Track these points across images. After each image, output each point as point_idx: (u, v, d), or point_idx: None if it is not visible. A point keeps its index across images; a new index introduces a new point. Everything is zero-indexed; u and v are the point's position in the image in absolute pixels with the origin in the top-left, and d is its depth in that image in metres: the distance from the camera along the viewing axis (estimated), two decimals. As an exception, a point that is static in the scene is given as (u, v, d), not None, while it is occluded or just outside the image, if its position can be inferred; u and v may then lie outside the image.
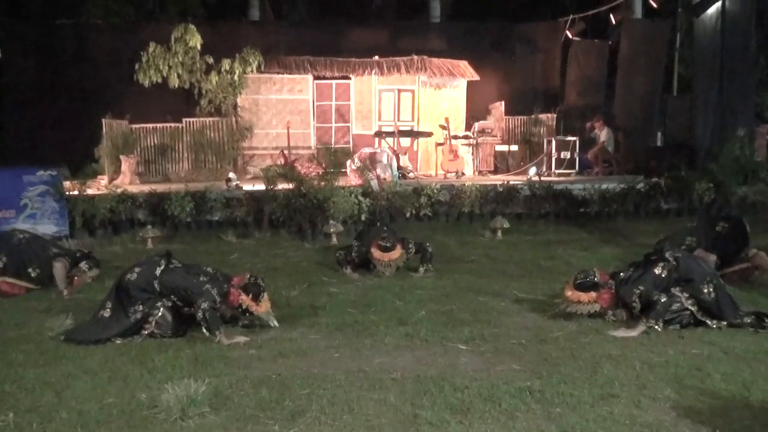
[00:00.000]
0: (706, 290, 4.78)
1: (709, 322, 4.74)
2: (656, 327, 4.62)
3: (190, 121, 13.72)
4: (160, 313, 4.77)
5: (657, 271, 4.86)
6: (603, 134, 13.80)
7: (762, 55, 18.75)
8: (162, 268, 4.92)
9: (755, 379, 3.78)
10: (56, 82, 15.20)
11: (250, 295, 4.84)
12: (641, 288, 4.77)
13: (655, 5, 15.37)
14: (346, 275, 6.76)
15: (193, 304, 4.68)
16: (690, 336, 4.60)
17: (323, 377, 3.91)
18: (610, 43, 16.61)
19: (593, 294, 4.93)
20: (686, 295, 4.79)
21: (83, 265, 6.47)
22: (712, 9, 12.77)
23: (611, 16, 16.23)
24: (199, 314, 4.60)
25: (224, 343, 4.55)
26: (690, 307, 4.76)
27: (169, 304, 4.82)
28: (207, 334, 4.60)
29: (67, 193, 9.22)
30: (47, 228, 8.93)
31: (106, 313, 4.86)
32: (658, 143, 15.98)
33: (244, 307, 4.84)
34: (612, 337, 4.61)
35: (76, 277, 6.38)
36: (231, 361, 4.24)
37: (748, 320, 4.77)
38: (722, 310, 4.75)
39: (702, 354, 4.23)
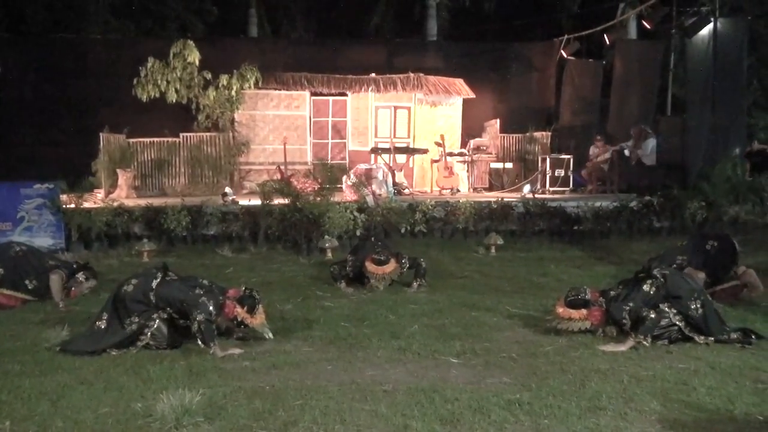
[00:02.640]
0: (693, 306, 4.86)
1: (696, 338, 4.82)
2: (644, 342, 4.69)
3: (187, 136, 13.81)
4: (155, 325, 4.82)
5: (646, 288, 4.94)
6: (607, 154, 13.90)
7: (755, 77, 19.02)
8: (158, 280, 4.98)
9: (740, 393, 3.85)
10: (55, 96, 15.29)
11: (245, 308, 4.90)
12: (630, 305, 4.85)
13: (649, 26, 15.58)
14: (340, 290, 6.83)
15: (189, 316, 4.74)
16: (678, 351, 4.68)
17: (316, 389, 3.97)
18: (604, 63, 16.81)
19: (584, 311, 5.00)
20: (674, 311, 4.87)
21: (80, 276, 6.53)
22: (705, 31, 12.97)
23: (606, 36, 16.44)
24: (195, 326, 4.66)
25: (219, 355, 4.60)
26: (678, 323, 4.84)
27: (165, 316, 4.88)
28: (202, 346, 4.66)
29: (64, 206, 9.29)
30: (44, 241, 8.99)
31: (102, 325, 4.91)
32: (654, 162, 16.13)
33: (239, 319, 4.90)
34: (601, 351, 4.68)
35: (73, 288, 6.44)
36: (225, 372, 4.30)
37: (734, 336, 4.85)
38: (709, 326, 4.83)
39: (689, 368, 4.30)
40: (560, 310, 5.09)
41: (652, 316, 4.74)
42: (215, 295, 4.89)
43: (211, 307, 4.75)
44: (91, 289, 6.56)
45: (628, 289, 5.02)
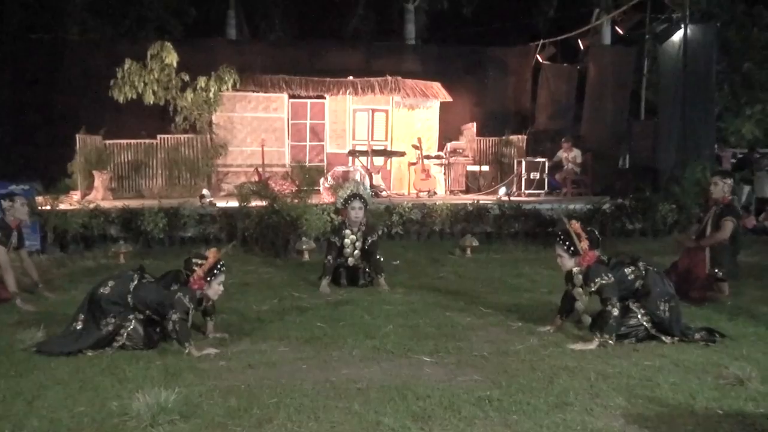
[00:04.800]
0: (661, 307, 4.98)
1: (663, 338, 4.96)
2: (610, 341, 4.82)
3: (164, 138, 13.79)
4: (131, 326, 4.84)
5: (627, 271, 5.07)
6: (571, 155, 14.14)
7: (725, 82, 19.41)
8: (135, 283, 5.00)
9: (701, 388, 3.99)
10: (31, 97, 15.17)
11: (205, 275, 4.93)
12: (606, 279, 4.93)
13: (621, 32, 15.87)
14: (317, 290, 6.87)
15: (165, 316, 4.78)
16: (644, 349, 4.81)
17: (291, 387, 4.03)
18: (579, 67, 17.08)
19: (586, 245, 5.07)
20: (642, 311, 5.00)
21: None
22: (676, 37, 13.26)
23: (580, 41, 16.72)
24: (170, 326, 4.71)
25: (195, 355, 4.65)
26: (645, 323, 4.97)
27: (141, 317, 4.91)
28: (178, 345, 4.70)
29: (40, 208, 9.23)
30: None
31: (78, 326, 4.92)
32: (626, 165, 16.43)
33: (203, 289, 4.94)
34: (570, 350, 4.80)
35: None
36: (201, 371, 4.35)
37: (698, 336, 5.00)
38: (674, 328, 4.97)
39: (654, 365, 4.43)
40: (576, 225, 5.18)
41: (615, 313, 4.85)
42: (192, 292, 4.92)
43: (187, 301, 4.78)
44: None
45: (612, 264, 5.13)
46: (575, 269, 5.14)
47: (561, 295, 5.42)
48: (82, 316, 4.93)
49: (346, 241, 7.09)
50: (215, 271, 4.99)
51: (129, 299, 4.90)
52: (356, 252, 7.11)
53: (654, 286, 5.07)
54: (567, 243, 5.13)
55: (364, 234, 7.14)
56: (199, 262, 4.99)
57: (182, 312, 4.73)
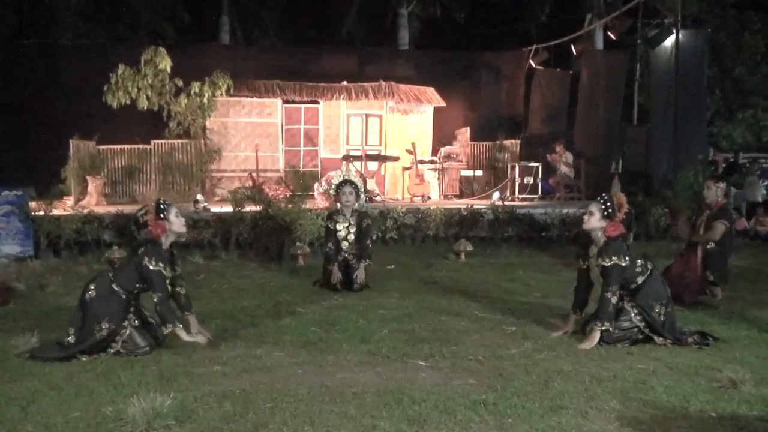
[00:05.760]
0: (657, 309, 5.01)
1: (656, 339, 4.99)
2: (609, 329, 4.86)
3: (158, 143, 13.78)
4: (127, 332, 4.83)
5: (637, 262, 5.09)
6: (564, 158, 14.18)
7: (717, 87, 19.55)
8: (112, 273, 5.00)
9: (695, 391, 4.01)
10: (24, 103, 15.13)
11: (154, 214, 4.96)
12: (622, 261, 4.93)
13: (614, 37, 15.95)
14: (316, 288, 7.05)
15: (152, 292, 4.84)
16: (638, 352, 4.83)
17: (286, 392, 4.03)
18: (571, 72, 17.17)
19: (620, 217, 5.06)
20: (635, 311, 5.03)
21: None
22: (668, 42, 13.35)
23: (573, 46, 16.81)
24: (154, 306, 4.78)
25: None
26: (638, 323, 5.00)
27: (136, 323, 4.90)
28: (162, 327, 4.80)
29: (33, 213, 9.21)
30: (12, 248, 8.95)
31: (71, 339, 4.85)
32: (619, 170, 16.49)
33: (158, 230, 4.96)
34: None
35: None
36: (196, 376, 4.34)
37: (691, 339, 5.02)
38: (667, 331, 5.00)
39: (648, 369, 4.45)
40: (622, 198, 5.19)
41: (614, 301, 4.89)
42: (157, 247, 4.92)
43: (153, 264, 4.79)
44: None
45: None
46: (599, 234, 5.08)
47: (555, 299, 5.47)
48: (72, 330, 4.85)
49: (339, 226, 7.26)
50: (162, 208, 5.00)
51: (115, 287, 4.85)
52: (350, 236, 7.28)
53: (653, 284, 5.10)
54: (608, 203, 5.08)
55: (358, 218, 7.31)
56: (143, 212, 5.02)
57: (160, 287, 4.77)
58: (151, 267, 4.80)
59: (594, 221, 5.11)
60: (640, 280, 5.09)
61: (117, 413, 3.67)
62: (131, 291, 4.90)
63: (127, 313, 4.88)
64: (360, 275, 7.11)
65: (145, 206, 5.07)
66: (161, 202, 5.06)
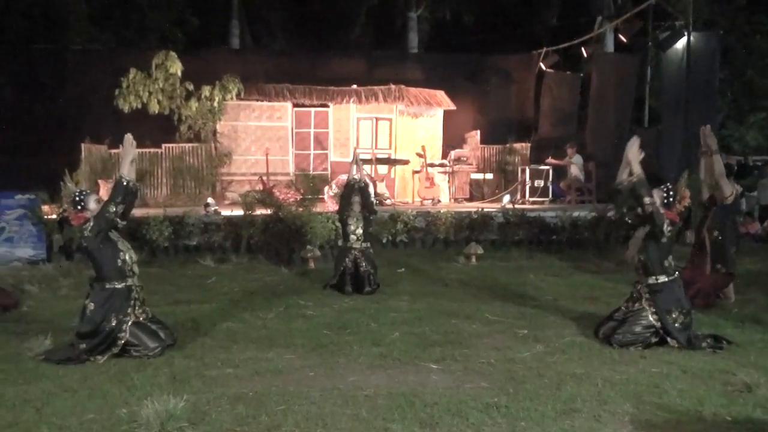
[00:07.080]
0: (674, 315, 5.00)
1: (669, 340, 4.97)
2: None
3: (169, 147, 13.84)
4: (128, 334, 4.84)
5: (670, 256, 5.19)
6: (574, 160, 14.13)
7: (728, 89, 19.46)
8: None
9: (709, 395, 3.99)
10: (35, 107, 15.19)
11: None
12: (667, 228, 5.09)
13: (625, 40, 15.90)
14: (322, 297, 6.93)
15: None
16: (651, 356, 4.81)
17: (298, 394, 4.04)
18: (582, 75, 17.10)
19: (680, 207, 5.38)
20: (653, 309, 5.02)
21: None
22: (679, 44, 13.30)
23: (583, 49, 16.75)
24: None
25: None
26: (654, 322, 4.99)
27: (140, 319, 4.92)
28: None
29: (45, 217, 9.27)
30: (25, 251, 9.03)
31: (83, 345, 4.87)
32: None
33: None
34: (577, 356, 4.82)
35: None
36: (209, 379, 4.36)
37: (704, 344, 4.99)
38: (681, 337, 4.97)
39: (661, 372, 4.43)
40: (686, 195, 5.44)
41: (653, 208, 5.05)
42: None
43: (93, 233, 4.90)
44: None
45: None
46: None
47: (566, 301, 5.47)
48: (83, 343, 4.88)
49: (350, 220, 7.54)
50: (78, 200, 5.06)
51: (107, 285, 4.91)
52: (358, 230, 7.53)
53: (675, 289, 5.11)
54: (670, 192, 5.31)
55: (362, 210, 7.63)
56: (63, 212, 5.11)
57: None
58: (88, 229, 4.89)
59: (652, 206, 5.19)
60: (662, 279, 5.09)
61: (131, 415, 3.69)
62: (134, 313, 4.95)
63: (127, 307, 4.91)
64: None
65: (64, 208, 5.15)
66: (77, 194, 5.11)
